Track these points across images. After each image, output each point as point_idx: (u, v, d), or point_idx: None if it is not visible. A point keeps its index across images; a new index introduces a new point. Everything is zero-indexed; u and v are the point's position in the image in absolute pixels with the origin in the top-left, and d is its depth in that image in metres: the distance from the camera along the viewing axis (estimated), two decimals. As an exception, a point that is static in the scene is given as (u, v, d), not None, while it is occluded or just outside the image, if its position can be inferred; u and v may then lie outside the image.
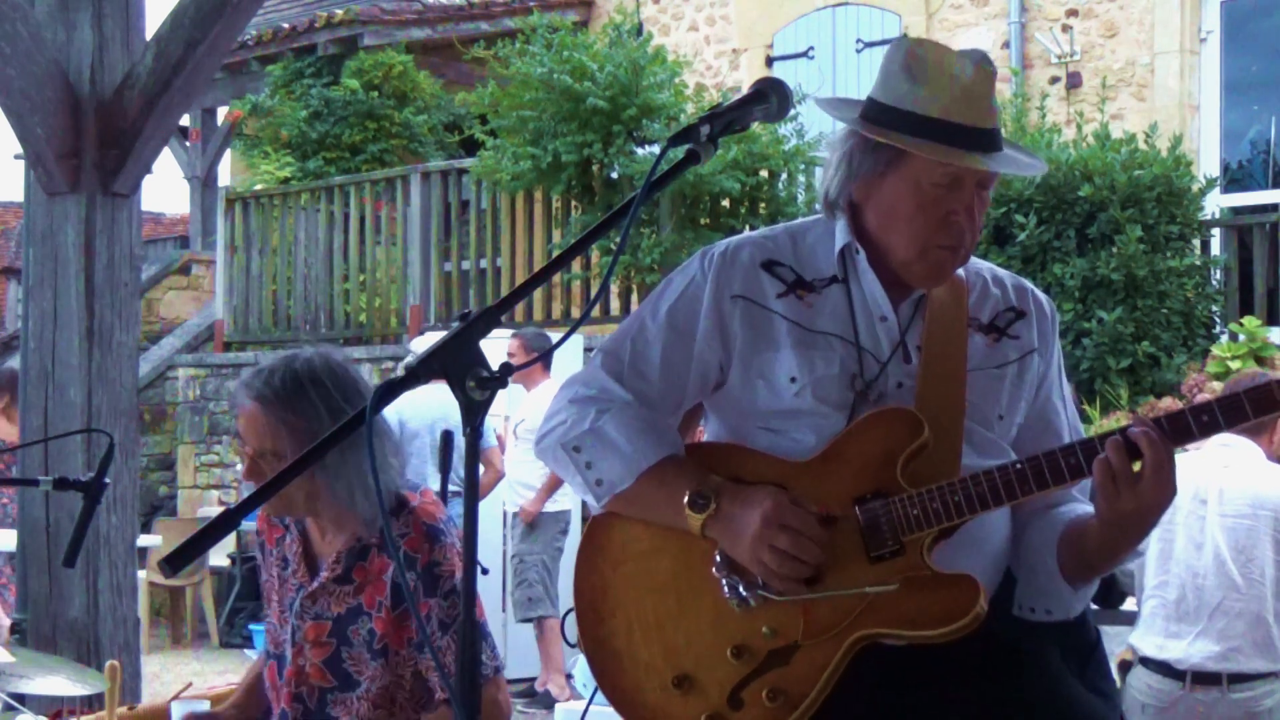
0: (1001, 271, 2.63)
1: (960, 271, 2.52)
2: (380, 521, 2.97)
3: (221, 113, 15.51)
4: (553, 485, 8.30)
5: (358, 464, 2.90)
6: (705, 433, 2.66)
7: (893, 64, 2.43)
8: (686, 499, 2.39)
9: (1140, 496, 2.28)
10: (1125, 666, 4.81)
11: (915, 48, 2.43)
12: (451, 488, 7.06)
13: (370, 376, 10.43)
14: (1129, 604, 5.13)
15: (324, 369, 2.98)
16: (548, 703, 8.26)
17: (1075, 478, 2.35)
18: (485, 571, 7.21)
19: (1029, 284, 2.64)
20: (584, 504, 8.06)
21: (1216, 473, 4.67)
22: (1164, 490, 2.29)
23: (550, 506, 8.39)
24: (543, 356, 7.81)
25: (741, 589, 2.39)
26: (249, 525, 10.44)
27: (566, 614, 2.65)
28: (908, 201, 2.42)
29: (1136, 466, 2.30)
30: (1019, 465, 2.35)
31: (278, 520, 3.16)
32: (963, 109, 2.37)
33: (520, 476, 8.44)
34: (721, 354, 2.50)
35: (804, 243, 2.54)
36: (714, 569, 2.41)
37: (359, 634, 2.99)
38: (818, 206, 2.59)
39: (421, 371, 1.90)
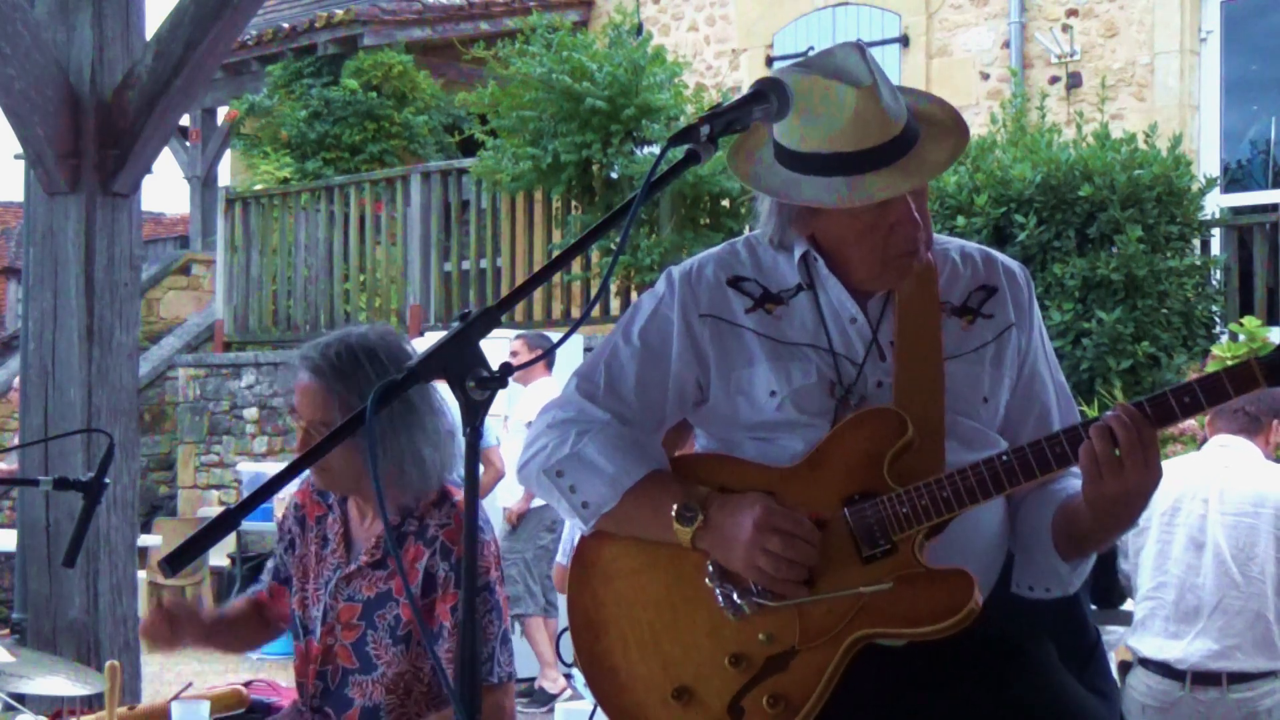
0: (970, 246, 2.61)
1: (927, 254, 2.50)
2: (417, 500, 3.01)
3: (221, 113, 15.52)
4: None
5: (409, 439, 2.97)
6: (695, 445, 2.65)
7: None
8: (674, 512, 2.39)
9: (1125, 480, 2.28)
10: (1125, 667, 4.81)
11: (798, 83, 2.34)
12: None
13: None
14: (1129, 604, 5.13)
15: (380, 343, 3.05)
16: (543, 699, 8.26)
17: (1062, 466, 2.34)
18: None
19: (998, 255, 2.61)
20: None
21: (1217, 472, 4.68)
22: (1148, 473, 2.28)
23: (534, 503, 8.40)
24: (544, 355, 7.82)
25: (736, 597, 2.39)
26: (249, 525, 10.44)
27: (562, 633, 2.66)
28: (848, 231, 2.42)
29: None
30: (1005, 457, 2.34)
31: (320, 498, 3.20)
32: (855, 136, 2.33)
33: (510, 478, 8.44)
34: (699, 372, 2.50)
35: (765, 252, 2.54)
36: (707, 579, 2.41)
37: (385, 619, 3.04)
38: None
39: (421, 371, 1.90)
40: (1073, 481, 2.48)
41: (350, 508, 3.18)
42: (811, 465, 2.41)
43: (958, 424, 2.44)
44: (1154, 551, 4.73)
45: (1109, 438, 2.27)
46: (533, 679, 8.49)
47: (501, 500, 8.57)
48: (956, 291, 2.53)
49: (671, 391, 2.51)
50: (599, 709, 2.55)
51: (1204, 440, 4.99)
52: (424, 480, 3.01)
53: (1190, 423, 7.31)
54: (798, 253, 2.49)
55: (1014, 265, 2.60)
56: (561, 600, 8.36)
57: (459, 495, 3.06)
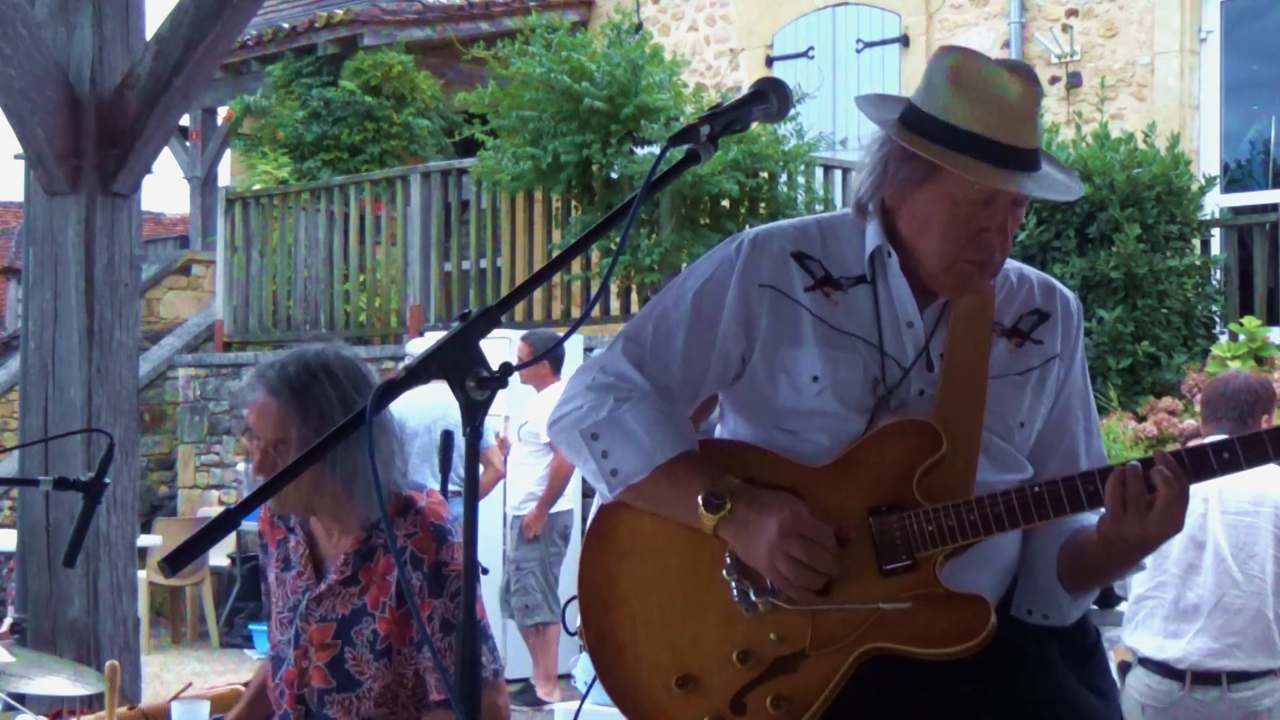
0: (1029, 270, 2.59)
1: None
2: (378, 516, 2.96)
3: (221, 113, 15.52)
4: (551, 496, 8.25)
5: (361, 459, 2.91)
6: (719, 429, 2.64)
7: (938, 74, 2.38)
8: (701, 498, 2.37)
9: (1147, 527, 2.29)
10: (1124, 668, 4.81)
11: (964, 60, 2.37)
12: (451, 488, 7.05)
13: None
14: (1123, 605, 5.13)
15: (336, 361, 2.99)
16: (531, 700, 8.25)
17: (1093, 505, 2.34)
18: (485, 571, 7.20)
19: (1057, 283, 2.60)
20: (583, 505, 7.91)
21: None
22: (1172, 524, 2.30)
23: (549, 510, 8.35)
24: (544, 355, 7.80)
25: (751, 594, 2.37)
26: (249, 525, 10.43)
27: (569, 601, 2.65)
28: (941, 214, 2.38)
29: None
30: (1036, 489, 2.34)
31: (280, 521, 3.15)
32: (1006, 128, 2.33)
33: (522, 481, 8.38)
34: (744, 344, 2.47)
35: (833, 238, 2.50)
36: (724, 571, 2.40)
37: (362, 635, 2.99)
38: (835, 203, 2.57)
39: (421, 371, 1.90)
40: (1086, 515, 2.47)
41: (314, 527, 3.11)
42: (841, 468, 2.40)
43: (991, 443, 2.44)
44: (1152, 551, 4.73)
45: (1142, 482, 2.28)
46: (528, 679, 8.48)
47: (509, 507, 8.52)
48: (1010, 313, 2.51)
49: (715, 361, 2.48)
50: (595, 695, 2.54)
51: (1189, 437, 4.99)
52: (371, 504, 2.95)
53: (1191, 422, 7.31)
54: (871, 244, 2.46)
55: (1070, 296, 2.59)
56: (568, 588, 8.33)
57: (423, 501, 3.00)
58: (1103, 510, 2.41)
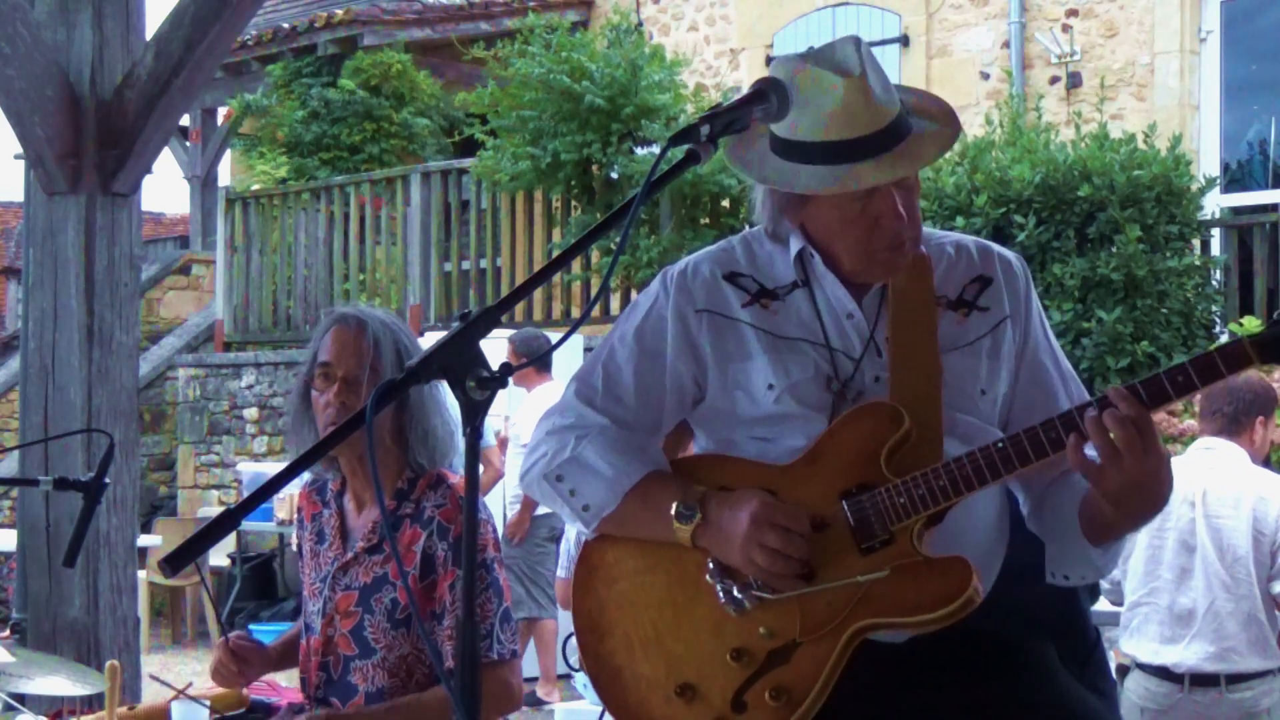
0: (966, 239, 2.61)
1: (922, 248, 2.50)
2: (419, 474, 3.08)
3: (222, 113, 15.52)
4: (529, 501, 8.23)
5: (435, 411, 3.08)
6: (694, 448, 2.66)
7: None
8: (673, 511, 2.40)
9: (1126, 471, 2.26)
10: (1123, 670, 4.81)
11: (793, 70, 2.35)
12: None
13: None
14: (1104, 604, 5.08)
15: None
16: (531, 700, 8.24)
17: (1056, 450, 2.32)
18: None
19: (994, 246, 2.60)
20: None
21: (1201, 475, 4.67)
22: (1148, 458, 2.26)
23: (537, 510, 8.32)
24: (537, 359, 7.77)
25: (736, 592, 2.39)
26: (249, 525, 10.44)
27: (568, 638, 2.67)
28: (834, 221, 2.42)
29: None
30: (1000, 445, 2.34)
31: (318, 497, 3.27)
32: (843, 125, 2.33)
33: (509, 481, 8.34)
34: (695, 369, 2.51)
35: (761, 251, 2.54)
36: (707, 576, 2.42)
37: (382, 602, 3.08)
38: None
39: (421, 371, 1.91)
40: None
41: (347, 501, 3.22)
42: (809, 461, 2.41)
43: (956, 421, 2.44)
44: (1145, 557, 4.73)
45: (1104, 436, 2.26)
46: (535, 677, 8.47)
47: (502, 503, 8.52)
48: (952, 284, 2.52)
49: (670, 391, 2.52)
50: (606, 713, 2.55)
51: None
52: (438, 453, 3.10)
53: (1191, 423, 7.31)
54: (794, 249, 2.49)
55: (1010, 256, 2.59)
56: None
57: (454, 479, 3.11)
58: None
